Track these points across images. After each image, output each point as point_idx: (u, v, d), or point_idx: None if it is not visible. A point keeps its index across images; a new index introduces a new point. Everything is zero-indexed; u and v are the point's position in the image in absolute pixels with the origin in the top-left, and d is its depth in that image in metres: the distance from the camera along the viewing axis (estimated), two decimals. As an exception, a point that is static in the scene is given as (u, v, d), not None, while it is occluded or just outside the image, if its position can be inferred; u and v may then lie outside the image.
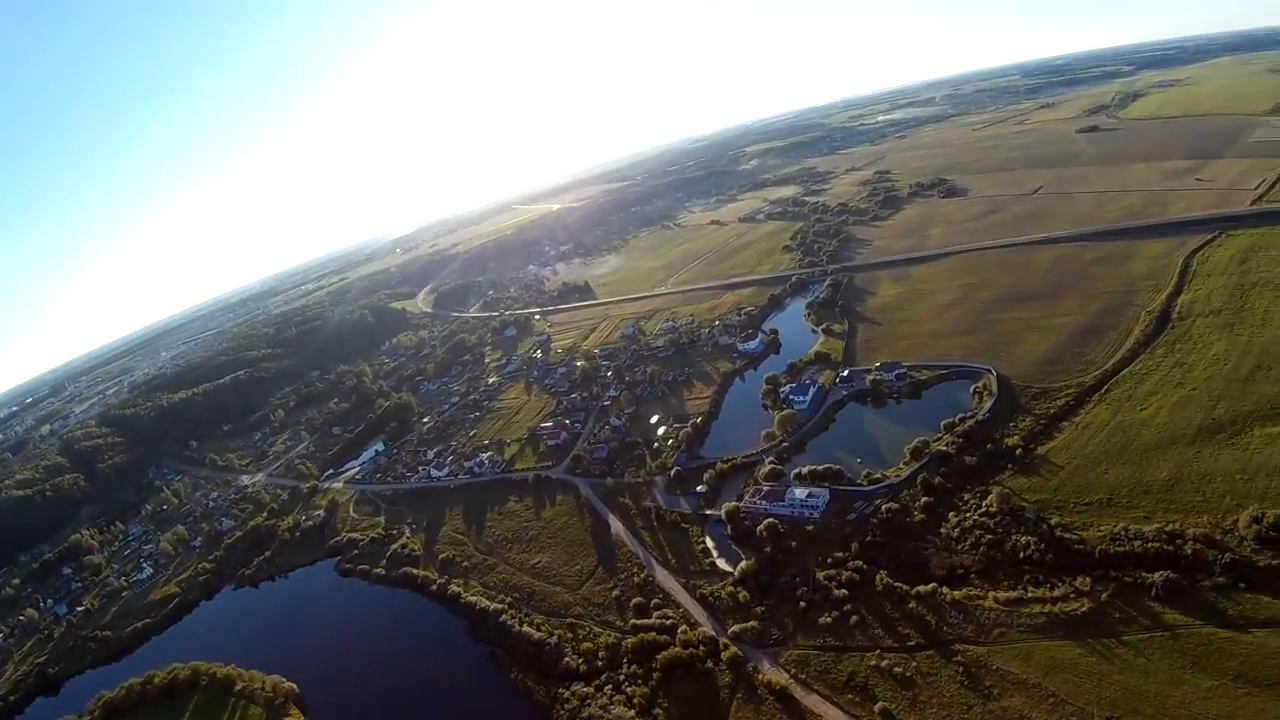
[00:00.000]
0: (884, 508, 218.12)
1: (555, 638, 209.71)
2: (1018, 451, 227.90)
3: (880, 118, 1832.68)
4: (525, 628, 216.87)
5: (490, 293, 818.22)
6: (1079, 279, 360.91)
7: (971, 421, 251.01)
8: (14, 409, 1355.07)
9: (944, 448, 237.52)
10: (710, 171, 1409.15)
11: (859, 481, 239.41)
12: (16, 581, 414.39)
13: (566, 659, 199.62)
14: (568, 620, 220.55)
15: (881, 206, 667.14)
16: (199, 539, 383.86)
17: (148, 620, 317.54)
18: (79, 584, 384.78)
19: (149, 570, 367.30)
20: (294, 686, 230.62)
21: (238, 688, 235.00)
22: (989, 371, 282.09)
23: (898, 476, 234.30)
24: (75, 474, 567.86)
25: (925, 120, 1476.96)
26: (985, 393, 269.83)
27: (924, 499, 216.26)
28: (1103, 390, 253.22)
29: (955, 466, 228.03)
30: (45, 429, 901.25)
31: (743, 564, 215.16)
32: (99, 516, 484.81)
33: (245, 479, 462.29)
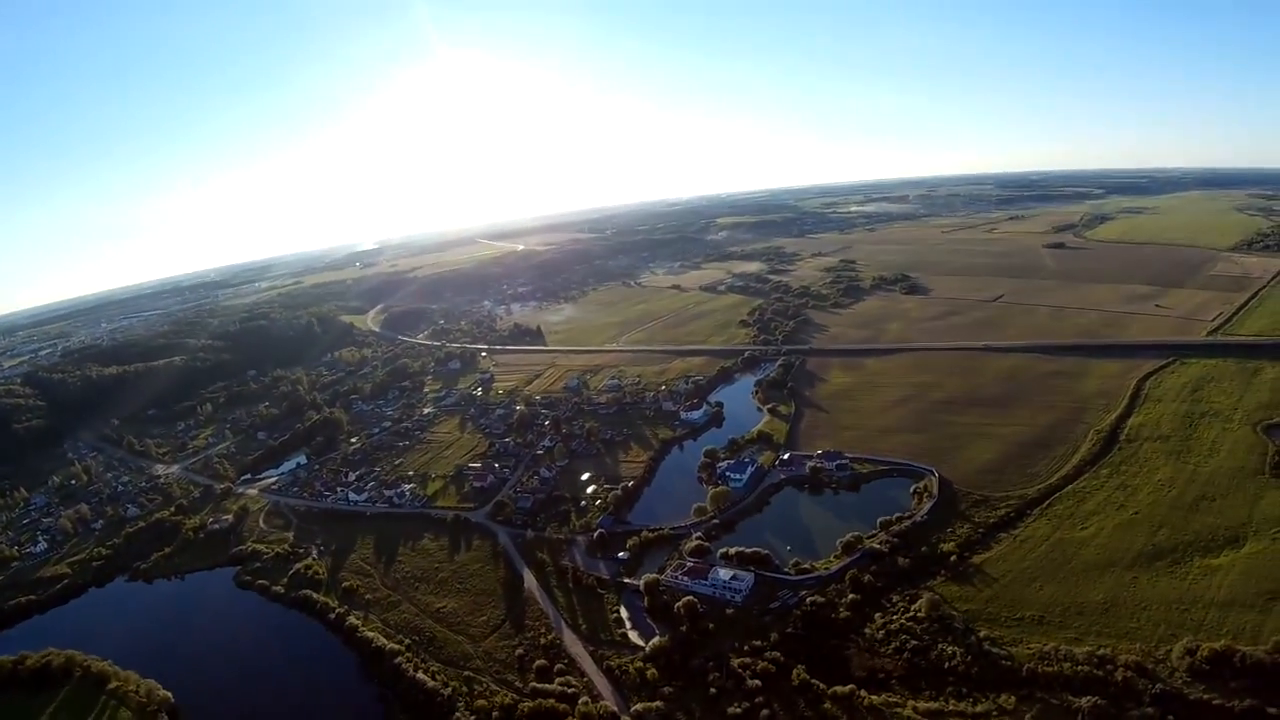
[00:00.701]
0: (809, 600, 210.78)
1: (450, 690, 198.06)
2: (953, 558, 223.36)
3: (853, 208, 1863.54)
4: (420, 674, 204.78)
5: (441, 322, 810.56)
6: (1031, 390, 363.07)
7: (908, 522, 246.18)
8: None
9: (878, 545, 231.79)
10: (679, 236, 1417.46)
11: (787, 570, 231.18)
12: None
13: (458, 715, 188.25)
14: (465, 673, 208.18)
15: (843, 294, 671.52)
16: (100, 521, 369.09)
17: (31, 597, 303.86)
18: None
19: (44, 545, 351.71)
20: (169, 695, 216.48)
21: (111, 685, 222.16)
22: (931, 473, 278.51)
23: (827, 569, 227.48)
24: None
25: (896, 217, 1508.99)
26: (926, 494, 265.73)
27: (851, 596, 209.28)
28: (1045, 505, 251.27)
29: (887, 566, 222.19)
30: None
31: (656, 640, 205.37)
32: (4, 479, 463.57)
33: (160, 468, 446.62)
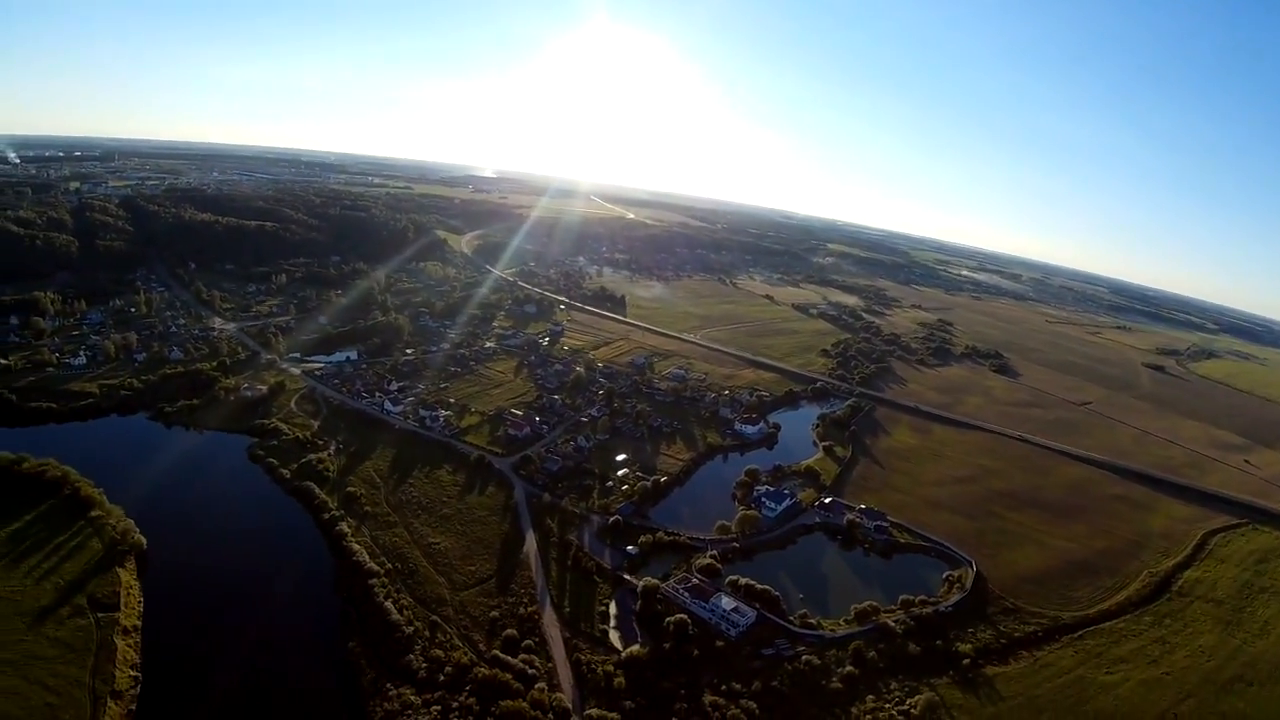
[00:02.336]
0: (805, 658, 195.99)
1: (412, 630, 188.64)
2: (966, 661, 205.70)
3: (964, 271, 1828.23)
4: (389, 603, 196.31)
5: (531, 264, 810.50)
6: (1094, 508, 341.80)
7: (931, 608, 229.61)
8: (60, 154, 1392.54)
9: (892, 623, 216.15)
10: (786, 250, 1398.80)
11: (792, 618, 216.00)
12: None
13: (411, 657, 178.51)
14: (433, 617, 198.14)
15: (932, 353, 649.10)
16: (144, 355, 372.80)
17: (53, 405, 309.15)
18: (17, 338, 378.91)
19: (83, 360, 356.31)
20: (143, 541, 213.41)
21: (93, 513, 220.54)
22: (970, 564, 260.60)
23: (833, 632, 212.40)
24: (72, 237, 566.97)
25: (1005, 292, 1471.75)
26: (957, 584, 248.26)
27: (849, 668, 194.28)
28: (1076, 634, 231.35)
29: (896, 647, 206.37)
30: (74, 185, 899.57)
31: (635, 648, 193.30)
32: (70, 287, 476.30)
33: (218, 322, 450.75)
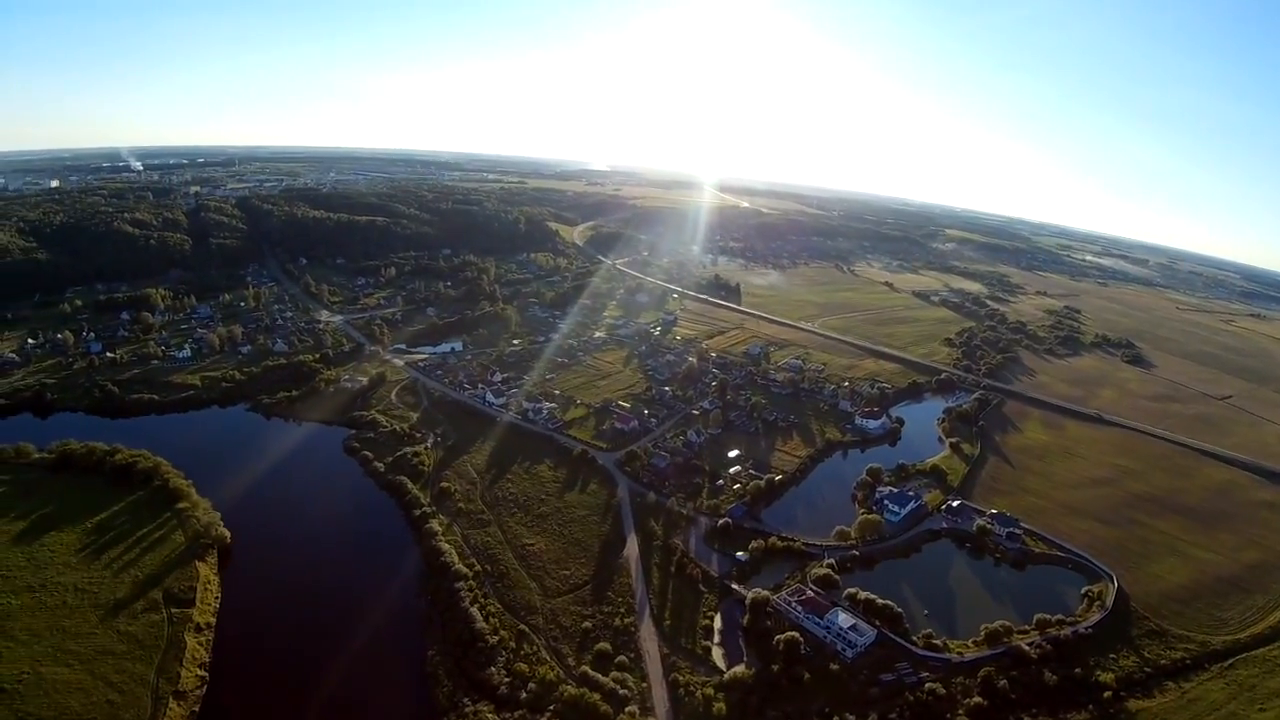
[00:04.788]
0: (928, 686, 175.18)
1: (497, 639, 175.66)
2: (1107, 694, 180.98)
3: (1088, 257, 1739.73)
4: (474, 609, 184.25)
5: (645, 254, 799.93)
6: (1241, 516, 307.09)
7: (1070, 630, 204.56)
8: (183, 162, 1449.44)
9: (1026, 647, 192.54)
10: (904, 236, 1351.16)
11: (915, 638, 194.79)
12: (79, 303, 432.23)
13: (493, 670, 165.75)
14: (521, 627, 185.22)
15: (1060, 343, 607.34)
16: (248, 347, 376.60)
17: (154, 397, 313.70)
18: (126, 332, 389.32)
19: (188, 353, 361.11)
20: (226, 535, 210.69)
21: (180, 505, 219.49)
22: (1110, 578, 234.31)
23: (960, 656, 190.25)
24: (185, 237, 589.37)
25: (1132, 278, 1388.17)
26: (1097, 602, 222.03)
27: (977, 699, 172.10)
28: (1227, 663, 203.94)
29: (1030, 675, 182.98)
30: (194, 189, 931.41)
31: (739, 669, 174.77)
32: (182, 283, 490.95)
33: (325, 315, 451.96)
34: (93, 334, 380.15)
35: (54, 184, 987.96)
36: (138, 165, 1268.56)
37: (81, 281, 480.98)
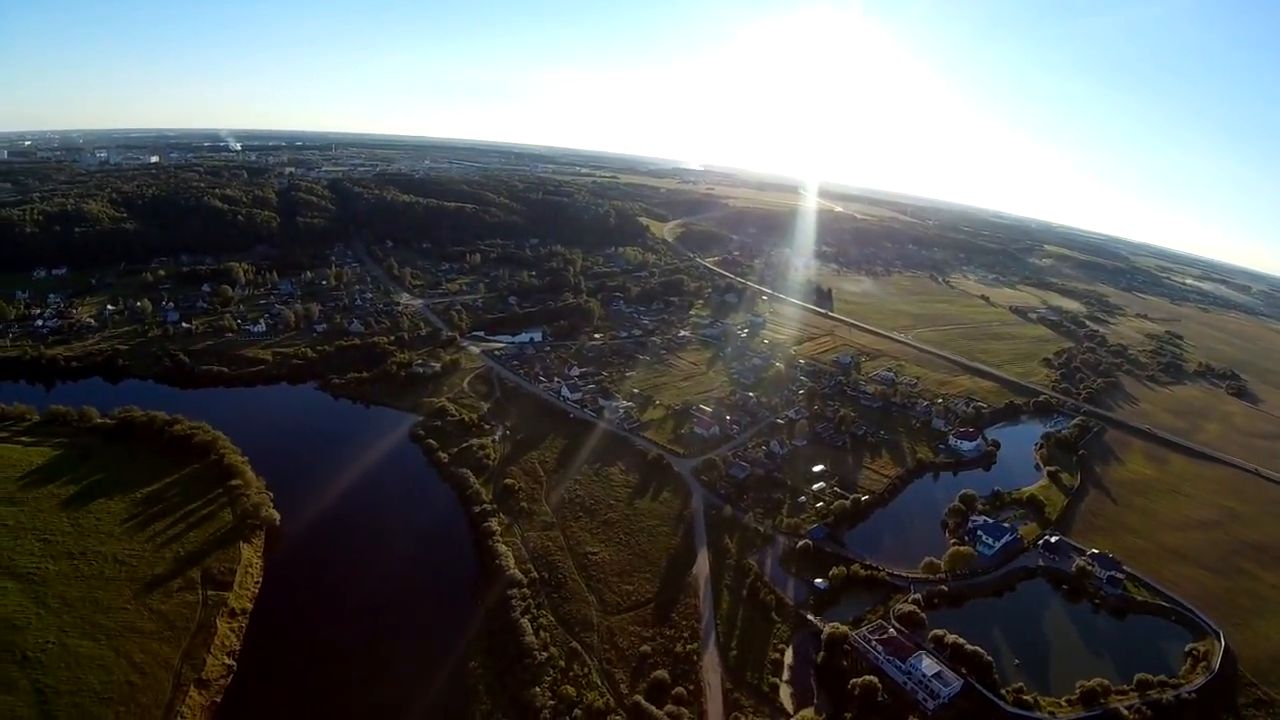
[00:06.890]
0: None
1: (546, 655, 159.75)
2: None
3: (1189, 280, 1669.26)
4: (525, 619, 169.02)
5: (735, 254, 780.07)
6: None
7: (1172, 693, 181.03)
8: (282, 144, 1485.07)
9: (1125, 710, 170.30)
10: (1001, 249, 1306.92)
11: (1004, 693, 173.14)
12: (162, 273, 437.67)
13: (537, 690, 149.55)
14: (573, 644, 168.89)
15: (1163, 369, 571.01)
16: (324, 325, 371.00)
17: (224, 370, 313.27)
18: (204, 304, 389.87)
19: (263, 327, 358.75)
20: (275, 517, 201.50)
21: (233, 482, 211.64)
22: (1217, 636, 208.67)
23: (1051, 715, 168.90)
24: (273, 214, 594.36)
25: (1234, 304, 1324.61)
26: (1202, 662, 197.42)
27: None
28: None
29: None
30: (289, 170, 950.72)
31: (808, 712, 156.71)
32: (267, 259, 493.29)
33: (405, 298, 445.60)
34: (171, 304, 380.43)
35: (153, 159, 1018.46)
36: (236, 145, 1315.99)
37: (168, 253, 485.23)
